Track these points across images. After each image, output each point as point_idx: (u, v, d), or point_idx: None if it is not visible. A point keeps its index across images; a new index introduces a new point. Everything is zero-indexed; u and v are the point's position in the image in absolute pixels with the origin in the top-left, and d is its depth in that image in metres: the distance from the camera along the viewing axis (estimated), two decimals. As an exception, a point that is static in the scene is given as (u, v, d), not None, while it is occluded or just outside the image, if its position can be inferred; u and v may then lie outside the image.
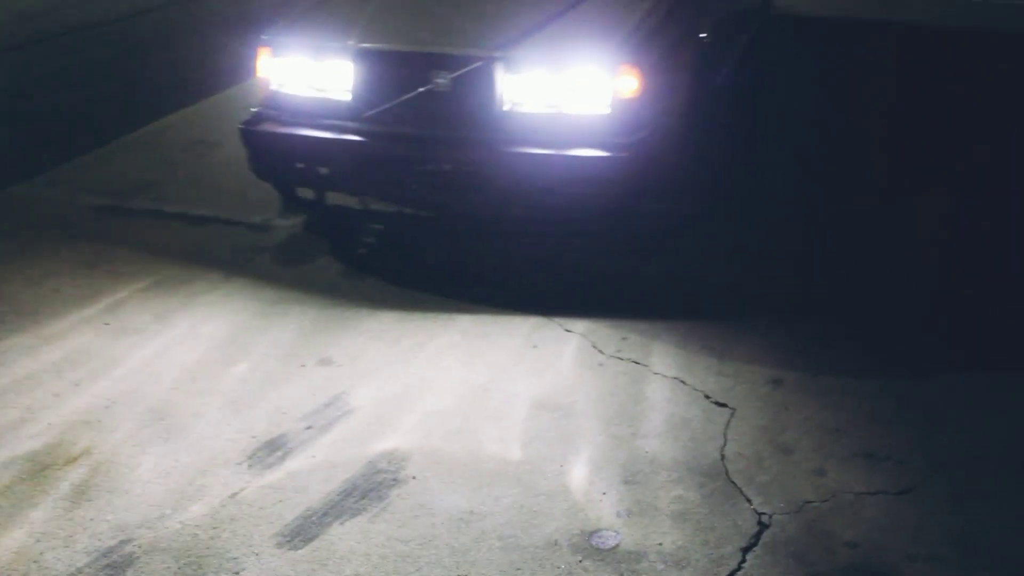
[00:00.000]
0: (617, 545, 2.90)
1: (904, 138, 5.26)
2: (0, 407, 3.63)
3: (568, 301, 4.16)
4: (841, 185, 4.98)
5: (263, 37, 4.57)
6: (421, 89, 4.19)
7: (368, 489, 3.15)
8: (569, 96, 4.13)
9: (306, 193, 4.69)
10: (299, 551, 2.91)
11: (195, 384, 3.72)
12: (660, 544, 2.89)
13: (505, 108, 4.13)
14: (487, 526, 2.98)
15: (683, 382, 3.63)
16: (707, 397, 3.55)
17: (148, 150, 5.94)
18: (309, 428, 3.45)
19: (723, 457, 3.25)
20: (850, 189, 4.94)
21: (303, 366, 3.80)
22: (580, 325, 3.99)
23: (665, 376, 3.67)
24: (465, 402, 3.56)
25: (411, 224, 4.62)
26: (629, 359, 3.77)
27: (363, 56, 4.28)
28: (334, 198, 4.70)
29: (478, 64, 4.11)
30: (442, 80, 4.17)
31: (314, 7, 4.79)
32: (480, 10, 4.52)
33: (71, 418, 3.55)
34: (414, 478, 3.19)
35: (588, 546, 2.90)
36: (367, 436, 3.39)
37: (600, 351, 3.82)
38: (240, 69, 7.09)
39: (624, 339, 3.89)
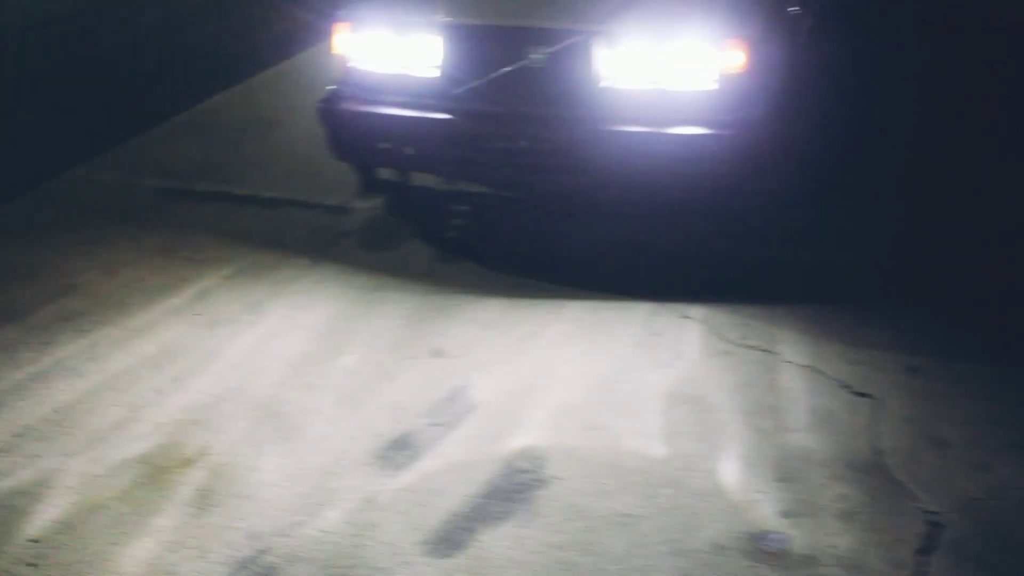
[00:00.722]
0: (787, 549, 2.75)
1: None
2: (102, 405, 3.45)
3: (679, 285, 3.99)
4: (948, 161, 4.80)
5: (340, 12, 4.37)
6: (515, 65, 3.99)
7: (510, 491, 2.98)
8: (672, 71, 3.93)
9: (388, 174, 4.52)
10: (451, 559, 2.75)
11: (302, 378, 3.55)
12: (834, 547, 2.74)
13: (603, 84, 3.94)
14: (646, 529, 2.82)
15: (818, 371, 3.47)
16: (846, 387, 3.39)
17: (204, 130, 5.73)
18: (435, 425, 3.28)
19: (878, 452, 3.10)
20: (957, 164, 4.75)
21: (414, 357, 3.63)
22: (697, 311, 3.82)
23: (798, 365, 3.51)
24: (594, 394, 3.40)
25: (500, 205, 4.44)
26: (756, 347, 3.61)
27: (453, 31, 4.09)
28: (418, 179, 4.54)
29: (576, 38, 3.92)
30: (537, 55, 3.97)
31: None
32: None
33: (178, 416, 3.38)
34: (557, 478, 3.02)
35: (757, 550, 2.75)
36: (498, 433, 3.23)
37: (723, 338, 3.66)
38: (284, 44, 6.91)
39: (746, 325, 3.73)
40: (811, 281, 4.00)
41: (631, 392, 3.40)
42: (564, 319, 3.82)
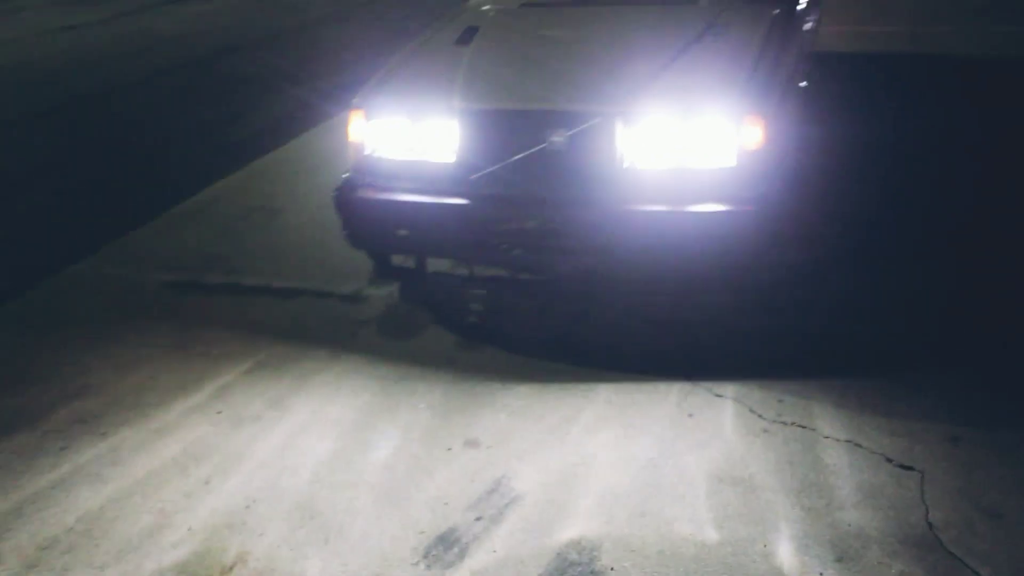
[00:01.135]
0: (858, 633, 2.69)
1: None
2: (129, 512, 3.35)
3: (707, 362, 3.96)
4: (963, 224, 4.83)
5: (355, 100, 4.37)
6: (536, 148, 4.00)
7: (566, 585, 2.91)
8: (692, 150, 3.96)
9: (405, 261, 4.49)
10: (514, 661, 2.67)
11: (337, 476, 3.47)
12: (905, 630, 2.69)
13: (626, 165, 3.95)
14: (710, 620, 2.76)
15: (858, 445, 3.44)
16: (889, 460, 3.36)
17: (205, 221, 5.68)
18: (479, 519, 3.20)
19: (931, 526, 3.06)
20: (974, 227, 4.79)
21: (450, 449, 3.56)
22: (729, 389, 3.79)
23: (838, 440, 3.47)
24: (638, 480, 3.34)
25: (517, 289, 4.42)
26: (793, 423, 3.58)
27: (470, 116, 4.09)
28: (432, 264, 4.52)
29: (597, 120, 3.93)
30: (558, 138, 3.98)
31: (400, 65, 4.60)
32: (586, 62, 4.35)
33: (211, 521, 3.28)
34: (612, 569, 2.96)
35: (827, 636, 2.68)
36: (546, 524, 3.16)
37: (760, 416, 3.63)
38: (276, 130, 6.91)
39: (780, 401, 3.70)
40: (839, 353, 3.98)
41: (675, 476, 3.35)
42: (596, 403, 3.77)
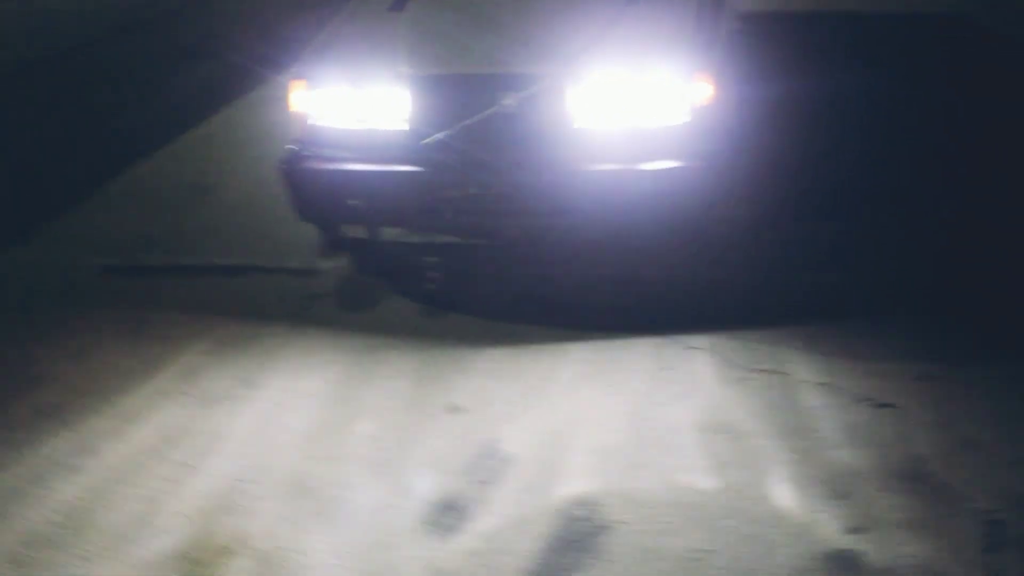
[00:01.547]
0: (868, 564, 2.78)
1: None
2: (113, 501, 3.24)
3: (676, 316, 4.02)
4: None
5: (296, 69, 4.27)
6: (487, 112, 3.97)
7: (574, 540, 2.93)
8: (643, 108, 3.99)
9: (357, 231, 4.41)
10: (539, 618, 2.68)
11: (323, 449, 3.41)
12: (913, 556, 2.79)
13: (577, 125, 3.96)
14: (721, 562, 2.82)
15: (834, 387, 3.55)
16: (866, 399, 3.47)
17: (137, 200, 5.47)
18: (476, 482, 3.20)
19: (918, 459, 3.18)
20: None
21: (432, 416, 3.54)
22: (702, 340, 3.85)
23: (813, 383, 3.57)
24: (626, 434, 3.38)
25: (474, 255, 4.40)
26: (769, 370, 3.66)
27: (418, 81, 4.04)
28: (384, 234, 4.45)
29: (548, 81, 3.92)
30: (510, 101, 3.96)
31: (336, 33, 4.50)
32: (528, 25, 4.32)
33: (201, 504, 3.20)
34: (619, 522, 2.99)
35: (838, 569, 2.77)
36: (544, 484, 3.17)
37: (735, 365, 3.70)
38: (201, 105, 6.70)
39: (753, 350, 3.78)
40: (805, 301, 4.08)
41: (662, 427, 3.40)
42: (572, 362, 3.79)
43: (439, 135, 4.00)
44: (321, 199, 4.24)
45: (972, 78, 5.69)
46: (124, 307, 4.42)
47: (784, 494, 3.07)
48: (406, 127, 4.08)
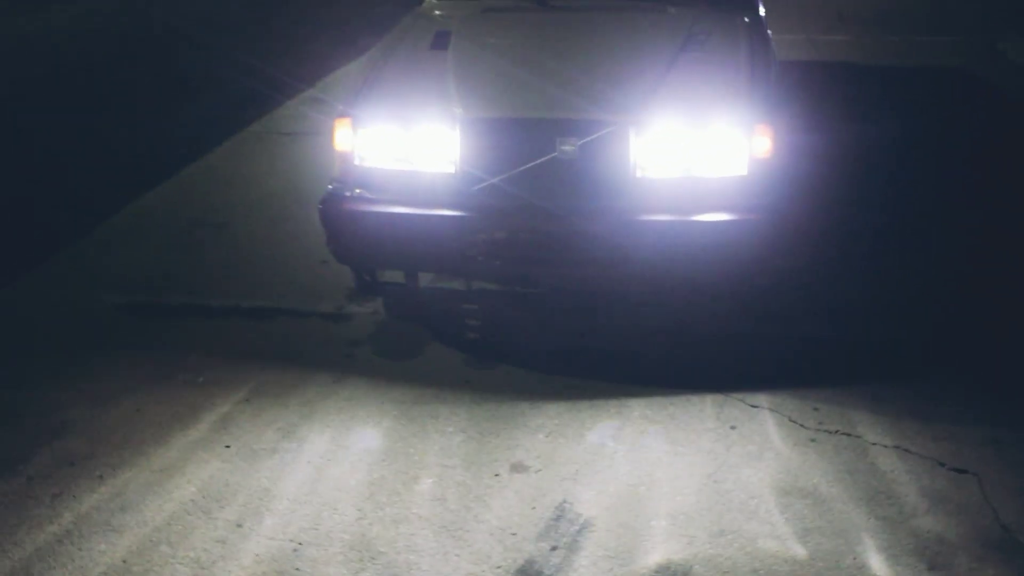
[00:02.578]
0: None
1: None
2: (159, 564, 3.02)
3: (731, 372, 3.92)
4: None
5: (342, 108, 4.13)
6: (545, 158, 3.86)
7: (668, 613, 2.79)
8: (703, 158, 3.91)
9: (392, 275, 4.27)
10: None
11: (384, 510, 3.23)
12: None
13: (638, 174, 3.86)
14: (827, 640, 2.69)
15: (908, 451, 3.46)
16: (942, 464, 3.38)
17: (146, 234, 5.26)
18: (555, 548, 3.04)
19: (1006, 528, 3.09)
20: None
21: (497, 475, 3.38)
22: (762, 399, 3.75)
23: (886, 446, 3.48)
24: (704, 497, 3.25)
25: (514, 302, 4.26)
26: (837, 431, 3.56)
27: (473, 124, 3.92)
28: (423, 280, 4.32)
29: (611, 128, 3.83)
30: (568, 147, 3.85)
31: (381, 73, 4.35)
32: (583, 70, 4.22)
33: (258, 570, 3.00)
34: (712, 594, 2.85)
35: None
36: (626, 551, 3.02)
37: (802, 425, 3.60)
38: (198, 138, 6.51)
39: (816, 409, 3.68)
40: (861, 359, 4.00)
41: (739, 490, 3.28)
42: (633, 419, 3.66)
43: (492, 180, 3.88)
44: (362, 241, 4.09)
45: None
46: (148, 350, 4.21)
47: (878, 564, 2.96)
48: (453, 169, 3.95)
